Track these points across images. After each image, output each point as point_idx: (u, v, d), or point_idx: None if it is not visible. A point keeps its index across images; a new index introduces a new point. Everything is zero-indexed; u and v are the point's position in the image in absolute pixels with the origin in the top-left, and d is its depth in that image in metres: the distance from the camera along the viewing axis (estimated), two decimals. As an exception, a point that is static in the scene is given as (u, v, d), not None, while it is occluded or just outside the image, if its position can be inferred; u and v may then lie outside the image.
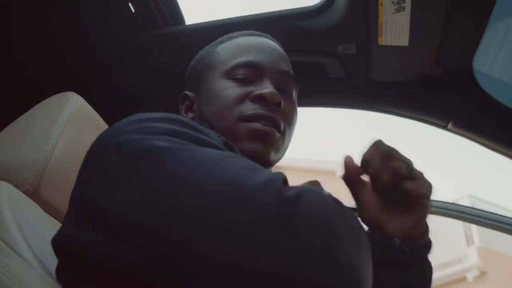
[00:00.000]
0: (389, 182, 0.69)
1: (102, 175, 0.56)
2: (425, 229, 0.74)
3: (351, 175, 0.75)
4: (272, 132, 0.78)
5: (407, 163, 0.69)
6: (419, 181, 0.69)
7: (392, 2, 1.11)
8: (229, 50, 0.89)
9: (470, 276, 8.83)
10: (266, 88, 0.81)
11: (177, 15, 1.37)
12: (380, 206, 0.73)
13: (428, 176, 0.71)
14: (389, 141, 0.74)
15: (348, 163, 0.75)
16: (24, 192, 0.75)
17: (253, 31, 0.95)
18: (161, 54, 1.38)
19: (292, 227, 0.47)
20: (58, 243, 0.57)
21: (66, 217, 0.59)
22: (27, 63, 1.33)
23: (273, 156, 0.80)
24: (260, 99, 0.79)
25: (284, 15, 1.29)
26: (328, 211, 0.51)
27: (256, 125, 0.78)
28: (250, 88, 0.81)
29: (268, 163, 0.81)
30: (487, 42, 1.22)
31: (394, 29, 1.17)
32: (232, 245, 0.46)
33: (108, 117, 1.00)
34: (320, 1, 1.25)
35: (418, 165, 0.72)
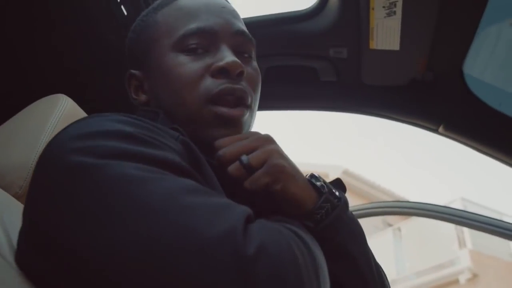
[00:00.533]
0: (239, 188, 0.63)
1: (49, 198, 0.52)
2: (313, 202, 0.64)
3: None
4: (240, 114, 0.72)
5: (241, 160, 0.62)
6: (258, 173, 0.62)
7: (383, 7, 1.12)
8: (172, 16, 0.78)
9: (462, 279, 8.85)
10: (225, 57, 0.72)
11: (169, 18, 1.37)
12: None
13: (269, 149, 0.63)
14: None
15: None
16: (13, 195, 0.74)
17: None
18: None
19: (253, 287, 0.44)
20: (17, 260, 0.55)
21: (19, 233, 0.56)
22: (19, 66, 1.32)
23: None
24: (221, 72, 0.71)
25: (276, 19, 1.29)
26: (291, 265, 0.48)
27: (223, 110, 0.70)
28: (207, 60, 0.73)
29: None
30: (477, 47, 1.23)
31: (385, 33, 1.18)
32: None
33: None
34: (312, 5, 1.25)
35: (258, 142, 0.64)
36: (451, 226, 8.71)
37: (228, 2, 0.84)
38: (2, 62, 1.29)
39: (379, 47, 1.22)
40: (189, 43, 0.74)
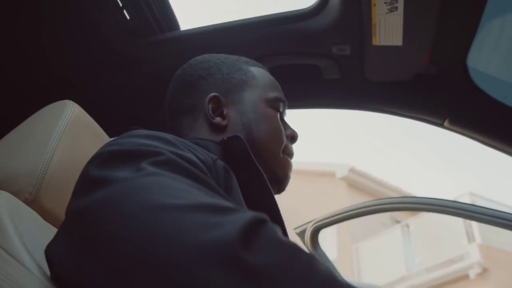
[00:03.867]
0: None
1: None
2: None
3: None
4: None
5: None
6: None
7: (385, 3, 1.12)
8: (264, 78, 0.97)
9: (472, 274, 8.80)
10: (291, 128, 0.96)
11: (172, 21, 1.38)
12: None
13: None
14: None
15: None
16: (23, 201, 0.75)
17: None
18: (156, 60, 1.38)
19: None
20: (49, 254, 0.58)
21: (60, 228, 0.60)
22: (24, 74, 1.33)
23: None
24: (293, 139, 0.96)
25: (278, 18, 1.29)
26: None
27: (290, 159, 0.94)
28: (284, 125, 0.95)
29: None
30: (480, 40, 1.22)
31: (388, 29, 1.18)
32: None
33: (105, 124, 1.00)
34: (314, 4, 1.25)
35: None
36: (459, 221, 8.67)
37: None
38: (7, 69, 1.30)
39: (382, 43, 1.22)
40: (278, 105, 0.94)
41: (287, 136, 0.94)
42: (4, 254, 0.57)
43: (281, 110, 0.94)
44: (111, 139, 0.67)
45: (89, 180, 0.57)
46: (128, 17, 1.30)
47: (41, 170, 0.78)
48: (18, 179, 0.77)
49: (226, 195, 0.59)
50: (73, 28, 1.26)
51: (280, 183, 0.91)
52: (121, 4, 1.26)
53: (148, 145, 0.60)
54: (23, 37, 1.25)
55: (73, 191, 0.61)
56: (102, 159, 0.59)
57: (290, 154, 0.94)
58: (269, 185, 0.78)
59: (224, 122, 0.89)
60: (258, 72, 0.97)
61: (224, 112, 0.90)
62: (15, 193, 0.74)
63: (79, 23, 1.25)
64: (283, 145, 0.91)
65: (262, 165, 0.80)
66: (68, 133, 0.84)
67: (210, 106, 0.89)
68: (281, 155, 0.91)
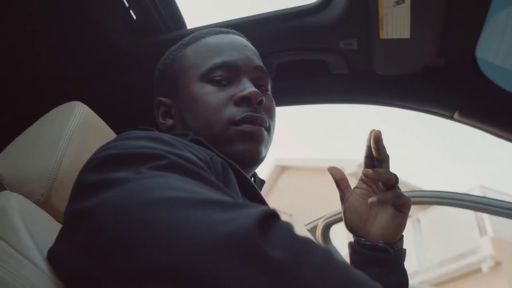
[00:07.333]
0: (390, 184, 0.84)
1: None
2: (401, 237, 0.90)
3: (340, 182, 0.92)
4: (260, 131, 0.81)
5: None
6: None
7: (392, -5, 1.11)
8: (200, 51, 0.88)
9: (485, 267, 8.75)
10: (247, 88, 0.82)
11: (178, 20, 1.38)
12: (365, 212, 0.88)
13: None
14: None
15: (333, 171, 0.92)
16: (35, 203, 0.75)
17: (219, 29, 0.94)
18: (164, 59, 1.38)
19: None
20: (52, 259, 0.58)
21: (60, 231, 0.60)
22: (29, 74, 1.34)
23: (263, 152, 0.84)
24: (244, 101, 0.81)
25: (285, 14, 1.29)
26: None
27: (246, 127, 0.80)
28: (231, 90, 0.83)
29: (261, 160, 0.84)
30: (489, 31, 1.21)
31: (395, 22, 1.17)
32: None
33: (114, 124, 1.01)
34: (320, -2, 1.25)
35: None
36: (470, 215, 8.62)
37: (248, 41, 0.95)
38: (14, 71, 1.30)
39: (389, 36, 1.21)
40: (214, 75, 0.84)
41: (234, 101, 0.82)
42: (16, 255, 0.57)
43: (219, 77, 0.84)
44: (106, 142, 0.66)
45: (89, 185, 0.56)
46: (134, 17, 1.30)
47: (52, 171, 0.78)
48: (29, 181, 0.78)
49: (229, 191, 0.58)
50: (80, 28, 1.26)
51: (240, 162, 0.77)
52: (127, 4, 1.26)
53: (147, 147, 0.59)
54: (30, 39, 1.25)
55: (70, 198, 0.60)
56: (99, 163, 0.59)
57: (240, 121, 0.80)
58: (239, 170, 0.73)
59: (169, 122, 0.89)
60: (192, 50, 0.90)
61: (172, 112, 0.90)
62: (26, 195, 0.75)
63: (86, 23, 1.25)
64: (226, 117, 0.81)
65: (220, 151, 0.75)
66: (77, 134, 0.84)
67: (159, 112, 0.91)
68: (226, 129, 0.80)
